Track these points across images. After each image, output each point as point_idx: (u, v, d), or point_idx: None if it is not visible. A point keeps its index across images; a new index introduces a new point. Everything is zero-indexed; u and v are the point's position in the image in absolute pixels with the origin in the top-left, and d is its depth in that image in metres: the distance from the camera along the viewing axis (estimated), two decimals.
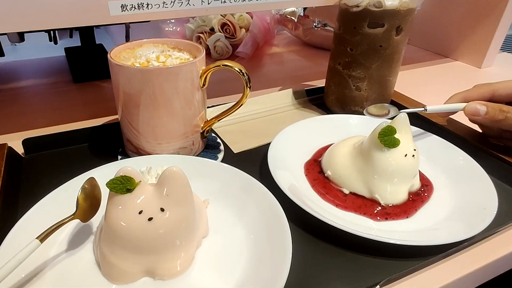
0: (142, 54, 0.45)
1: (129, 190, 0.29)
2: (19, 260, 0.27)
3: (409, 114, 0.41)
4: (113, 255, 0.30)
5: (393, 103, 0.59)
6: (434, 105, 0.49)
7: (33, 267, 0.30)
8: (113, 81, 0.41)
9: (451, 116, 0.56)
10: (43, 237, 0.29)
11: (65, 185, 0.37)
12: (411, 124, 0.41)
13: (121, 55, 0.43)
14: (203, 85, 0.43)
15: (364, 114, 0.54)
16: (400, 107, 0.43)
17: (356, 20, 0.50)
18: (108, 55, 0.40)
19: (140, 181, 0.30)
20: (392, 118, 0.42)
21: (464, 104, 0.47)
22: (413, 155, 0.40)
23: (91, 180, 0.33)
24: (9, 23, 0.39)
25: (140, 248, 0.30)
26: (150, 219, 0.29)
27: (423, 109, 0.48)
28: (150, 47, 0.46)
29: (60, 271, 0.31)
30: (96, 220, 0.35)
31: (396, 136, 0.39)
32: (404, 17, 0.49)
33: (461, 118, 0.55)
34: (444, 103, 0.50)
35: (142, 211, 0.29)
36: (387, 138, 0.39)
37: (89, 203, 0.33)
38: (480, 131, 0.52)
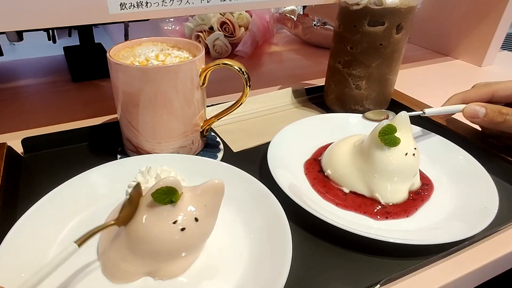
0: (141, 52, 0.45)
1: (172, 202, 0.29)
2: (57, 264, 0.26)
3: (411, 112, 0.41)
4: (121, 258, 0.30)
5: (393, 102, 0.59)
6: (432, 108, 0.49)
7: (32, 266, 0.30)
8: (112, 80, 0.41)
9: (452, 116, 0.55)
10: (81, 241, 0.27)
11: (65, 184, 0.37)
12: (411, 123, 0.41)
13: (120, 54, 0.43)
14: (203, 84, 0.43)
15: (363, 113, 0.54)
16: (398, 111, 0.42)
17: (356, 18, 0.50)
18: (107, 54, 0.40)
19: (182, 192, 0.29)
20: None
21: (463, 105, 0.47)
22: (414, 154, 0.39)
23: (138, 188, 0.30)
24: (8, 22, 0.39)
25: (159, 255, 0.30)
26: (183, 229, 0.29)
27: (421, 112, 0.48)
28: (149, 45, 0.46)
29: (60, 270, 0.31)
30: (96, 218, 0.35)
31: (396, 135, 0.39)
32: (405, 15, 0.49)
33: (462, 117, 0.55)
34: (442, 105, 0.50)
35: (176, 221, 0.29)
36: (388, 137, 0.38)
37: (131, 210, 0.31)
38: (480, 129, 0.52)
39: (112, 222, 0.29)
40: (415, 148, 0.40)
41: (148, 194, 0.29)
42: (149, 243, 0.29)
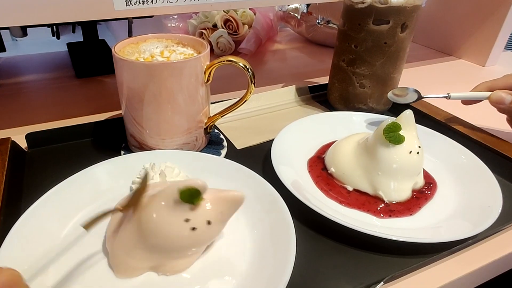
0: (146, 49, 0.45)
1: (192, 203, 0.29)
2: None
3: (414, 111, 0.41)
4: (126, 252, 0.30)
5: None
6: (458, 93, 0.50)
7: (36, 261, 0.30)
8: (117, 76, 0.41)
9: (456, 115, 0.55)
10: (89, 225, 0.28)
11: (70, 178, 0.37)
12: (416, 122, 0.41)
13: (125, 50, 0.43)
14: (207, 80, 0.43)
15: (366, 112, 0.54)
16: (403, 110, 0.42)
17: (361, 16, 0.50)
18: (113, 50, 0.40)
19: (204, 198, 0.29)
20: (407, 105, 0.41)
21: (489, 93, 0.48)
22: (418, 152, 0.39)
23: (146, 178, 0.31)
24: (13, 17, 0.39)
25: (165, 250, 0.30)
26: (193, 228, 0.29)
27: (446, 95, 0.49)
28: (154, 42, 0.45)
29: (64, 265, 0.31)
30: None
31: (401, 133, 0.39)
32: (410, 14, 0.49)
33: (465, 116, 0.55)
34: (470, 91, 0.50)
35: (189, 219, 0.29)
36: (392, 135, 0.38)
37: (139, 199, 0.31)
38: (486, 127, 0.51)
39: (120, 208, 0.30)
40: (419, 147, 0.40)
41: (170, 188, 0.29)
42: (158, 236, 0.29)
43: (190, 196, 0.28)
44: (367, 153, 0.40)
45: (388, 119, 0.40)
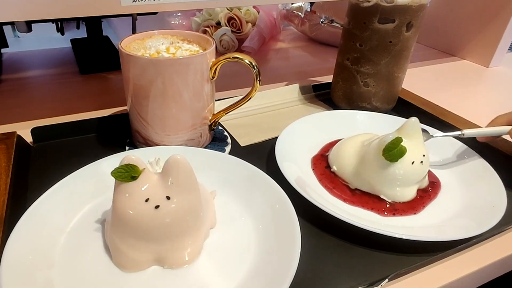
0: (151, 45, 0.45)
1: (133, 178, 0.30)
2: None
3: (418, 111, 0.41)
4: (123, 244, 0.30)
5: (400, 100, 0.59)
6: (472, 129, 0.45)
7: (42, 255, 0.30)
8: (123, 71, 0.41)
9: (460, 115, 0.55)
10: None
11: (76, 173, 0.37)
12: (421, 122, 0.40)
13: (131, 46, 0.43)
14: (213, 77, 0.43)
15: (370, 110, 0.54)
16: (405, 110, 0.40)
17: (366, 15, 0.50)
18: (119, 45, 0.40)
19: (144, 168, 0.30)
20: None
21: (509, 127, 0.43)
22: (421, 162, 0.39)
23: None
24: (19, 12, 0.39)
25: (148, 236, 0.30)
26: (157, 207, 0.29)
27: (460, 133, 0.45)
28: (160, 38, 0.46)
29: (70, 259, 0.31)
30: (105, 208, 0.35)
31: (404, 143, 0.38)
32: (415, 13, 0.49)
33: (468, 116, 0.55)
34: (486, 126, 0.45)
35: (148, 199, 0.30)
36: (392, 153, 0.37)
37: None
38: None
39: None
40: (423, 155, 0.39)
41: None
42: (130, 223, 0.30)
43: (126, 172, 0.29)
44: (370, 160, 0.40)
45: (389, 135, 0.39)
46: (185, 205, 0.31)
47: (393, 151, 0.38)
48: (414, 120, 0.39)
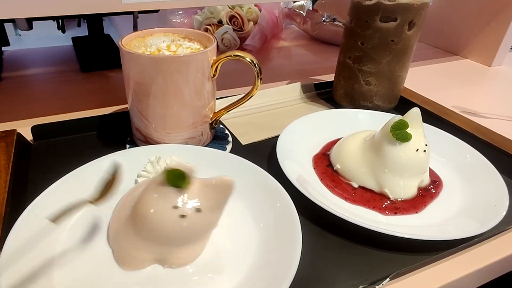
0: (152, 43, 0.44)
1: (177, 186, 0.29)
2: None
3: (421, 110, 0.40)
4: (128, 241, 0.30)
5: (402, 99, 0.59)
6: None
7: (42, 252, 0.30)
8: (124, 69, 0.41)
9: (461, 113, 0.55)
10: (55, 219, 0.28)
11: (76, 170, 0.37)
12: (423, 121, 0.41)
13: (132, 44, 0.43)
14: (214, 75, 0.43)
15: (372, 109, 0.54)
16: (408, 109, 0.39)
17: (368, 13, 0.50)
18: (120, 43, 0.40)
19: (192, 185, 0.29)
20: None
21: None
22: (424, 151, 0.39)
23: (117, 169, 0.31)
24: (20, 9, 0.39)
25: (160, 239, 0.30)
26: (182, 216, 0.29)
27: None
28: (161, 36, 0.45)
29: (70, 256, 0.31)
30: (105, 206, 0.35)
31: (408, 130, 0.39)
32: (417, 12, 0.49)
33: (470, 115, 0.55)
34: None
35: (177, 206, 0.29)
36: (399, 132, 0.38)
37: (109, 190, 0.30)
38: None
39: (91, 200, 0.29)
40: (426, 145, 0.40)
41: (160, 175, 0.29)
42: (148, 223, 0.29)
43: (176, 178, 0.28)
44: (374, 150, 0.40)
45: (395, 117, 0.39)
46: (210, 221, 0.31)
47: (400, 130, 0.38)
48: (416, 110, 0.40)
